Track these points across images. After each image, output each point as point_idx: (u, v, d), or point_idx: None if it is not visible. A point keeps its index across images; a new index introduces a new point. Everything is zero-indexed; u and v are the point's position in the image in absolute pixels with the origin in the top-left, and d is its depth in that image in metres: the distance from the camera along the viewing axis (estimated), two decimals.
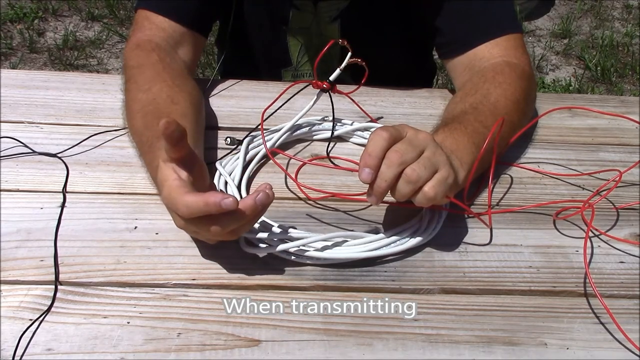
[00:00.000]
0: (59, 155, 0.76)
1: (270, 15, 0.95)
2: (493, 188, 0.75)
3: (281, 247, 0.62)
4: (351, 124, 0.83)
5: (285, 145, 0.81)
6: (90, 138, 0.79)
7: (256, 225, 0.65)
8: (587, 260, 0.66)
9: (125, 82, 0.80)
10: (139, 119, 0.73)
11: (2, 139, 0.78)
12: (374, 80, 0.78)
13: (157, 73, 0.78)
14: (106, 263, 0.62)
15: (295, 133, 0.82)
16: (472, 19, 0.86)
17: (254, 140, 0.78)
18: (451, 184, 0.61)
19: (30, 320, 0.56)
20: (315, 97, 0.75)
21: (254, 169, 0.76)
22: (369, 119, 0.86)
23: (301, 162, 0.77)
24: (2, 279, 0.60)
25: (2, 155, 0.75)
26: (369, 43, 0.84)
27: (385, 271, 0.63)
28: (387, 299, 0.60)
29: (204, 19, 0.91)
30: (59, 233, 0.65)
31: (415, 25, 0.94)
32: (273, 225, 0.65)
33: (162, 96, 0.75)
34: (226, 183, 0.71)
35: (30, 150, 0.76)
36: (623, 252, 0.68)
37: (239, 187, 0.71)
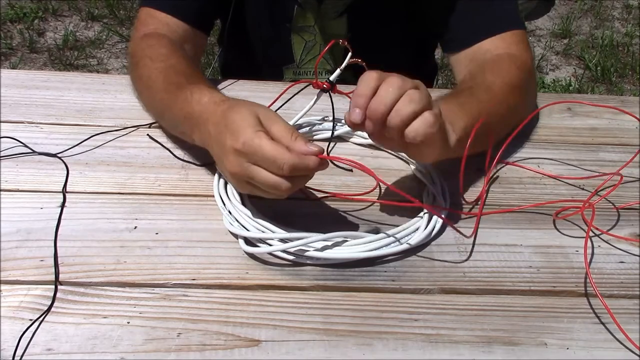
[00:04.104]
0: (59, 155, 0.76)
1: (273, 13, 0.95)
2: (488, 188, 0.75)
3: (281, 247, 0.62)
4: None
5: None
6: (91, 138, 0.79)
7: (256, 225, 0.65)
8: (588, 260, 0.65)
9: (136, 63, 0.81)
10: (158, 80, 0.75)
11: (2, 139, 0.78)
12: None
13: (172, 51, 0.80)
14: (106, 263, 0.62)
15: None
16: (477, 14, 0.87)
17: None
18: (443, 129, 0.61)
19: (30, 320, 0.56)
20: (316, 97, 0.75)
21: None
22: None
23: None
24: (2, 279, 0.60)
25: (2, 155, 0.75)
26: (373, 40, 0.85)
27: (385, 271, 0.63)
28: (387, 299, 0.60)
29: (206, 17, 0.91)
30: (59, 233, 0.65)
31: (420, 21, 0.94)
32: (273, 225, 0.65)
33: (183, 63, 0.77)
34: (226, 183, 0.71)
35: (30, 150, 0.76)
36: (623, 252, 0.68)
37: None
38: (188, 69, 0.76)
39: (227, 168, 0.61)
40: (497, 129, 0.75)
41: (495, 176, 0.77)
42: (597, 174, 0.78)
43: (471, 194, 0.74)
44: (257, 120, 0.59)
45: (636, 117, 0.86)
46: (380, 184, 0.74)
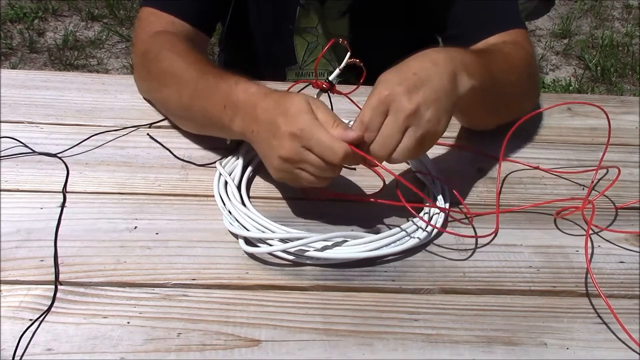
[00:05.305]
0: (59, 155, 0.76)
1: (276, 15, 0.95)
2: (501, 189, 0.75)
3: (281, 247, 0.62)
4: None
5: None
6: (91, 138, 0.79)
7: (256, 225, 0.65)
8: (589, 259, 0.65)
9: (153, 58, 0.80)
10: (188, 71, 0.75)
11: (2, 139, 0.78)
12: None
13: (191, 47, 0.80)
14: (106, 263, 0.62)
15: None
16: (480, 13, 0.88)
17: None
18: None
19: (30, 320, 0.56)
20: (315, 97, 0.74)
21: (254, 169, 0.76)
22: None
23: None
24: (2, 279, 0.60)
25: (2, 155, 0.75)
26: (375, 40, 0.84)
27: (385, 271, 0.63)
28: (387, 299, 0.60)
29: (208, 18, 0.91)
30: (59, 233, 0.65)
31: (422, 21, 0.95)
32: (273, 225, 0.65)
33: (205, 58, 0.77)
34: (226, 183, 0.71)
35: (30, 150, 0.76)
36: (623, 252, 0.68)
37: (239, 187, 0.71)
38: (213, 63, 0.77)
39: (277, 152, 0.62)
40: (507, 103, 0.78)
41: (495, 176, 0.77)
42: (594, 167, 0.78)
43: (472, 194, 0.74)
44: (310, 107, 0.62)
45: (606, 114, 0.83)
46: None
